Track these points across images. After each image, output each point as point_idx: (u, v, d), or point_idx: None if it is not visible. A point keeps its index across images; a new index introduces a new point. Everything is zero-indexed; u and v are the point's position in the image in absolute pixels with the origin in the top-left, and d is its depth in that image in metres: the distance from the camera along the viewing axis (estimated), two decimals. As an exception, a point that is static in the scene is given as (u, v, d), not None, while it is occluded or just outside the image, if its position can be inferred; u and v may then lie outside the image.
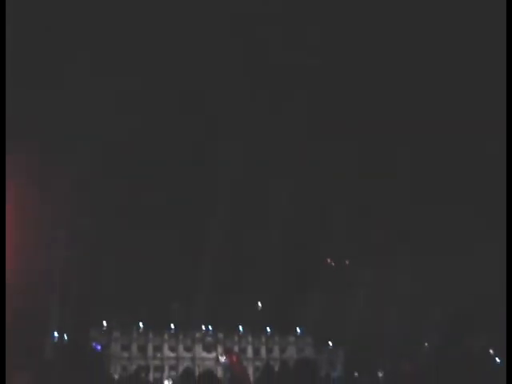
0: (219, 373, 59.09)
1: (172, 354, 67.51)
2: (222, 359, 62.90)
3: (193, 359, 66.62)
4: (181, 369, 60.00)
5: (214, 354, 68.17)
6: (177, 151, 59.58)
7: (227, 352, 62.17)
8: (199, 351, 68.57)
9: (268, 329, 71.19)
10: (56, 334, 55.06)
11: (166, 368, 65.73)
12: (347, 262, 72.75)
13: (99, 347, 60.52)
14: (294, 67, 49.87)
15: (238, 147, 54.24)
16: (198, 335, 69.08)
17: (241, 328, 70.52)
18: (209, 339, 69.33)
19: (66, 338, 56.89)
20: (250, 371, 57.00)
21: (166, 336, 68.79)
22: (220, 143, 57.06)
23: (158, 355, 66.98)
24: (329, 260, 73.88)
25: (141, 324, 68.36)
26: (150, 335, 68.30)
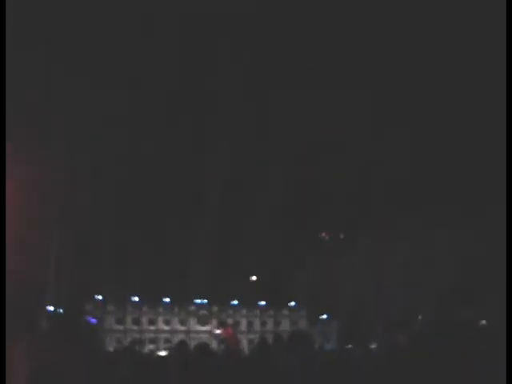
0: (214, 345, 59.63)
1: (166, 327, 68.03)
2: (217, 332, 63.39)
3: (187, 332, 67.13)
4: (175, 342, 60.48)
5: (208, 327, 68.73)
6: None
7: (222, 325, 62.69)
8: (193, 324, 69.11)
9: (262, 302, 71.66)
10: (51, 307, 55.28)
11: (161, 341, 66.24)
12: (342, 236, 72.93)
13: (94, 321, 60.81)
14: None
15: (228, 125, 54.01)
16: (192, 308, 69.53)
17: (235, 301, 70.97)
18: (203, 312, 69.82)
19: (61, 311, 57.12)
20: (244, 344, 57.48)
21: (160, 309, 69.23)
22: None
23: (153, 328, 67.48)
24: (323, 234, 74.08)
25: (135, 297, 68.70)
26: (145, 308, 68.72)
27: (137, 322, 68.10)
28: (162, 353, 61.03)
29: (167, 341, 65.81)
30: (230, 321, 67.85)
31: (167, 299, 69.34)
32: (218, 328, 63.91)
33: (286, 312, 72.02)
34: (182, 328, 68.20)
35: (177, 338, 63.08)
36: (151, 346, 61.04)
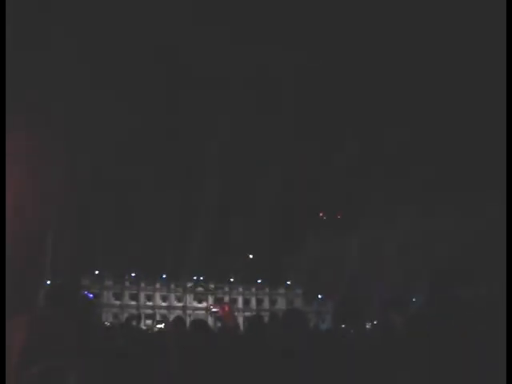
0: (210, 322, 60.04)
1: (163, 304, 68.42)
2: (213, 309, 63.78)
3: (184, 309, 67.55)
4: (172, 318, 60.82)
5: (204, 304, 69.16)
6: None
7: (218, 302, 63.04)
8: (190, 301, 69.53)
9: (258, 280, 72.03)
10: (48, 282, 55.53)
11: (158, 317, 66.65)
12: (339, 216, 73.00)
13: (91, 296, 61.10)
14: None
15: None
16: (189, 285, 69.89)
17: (231, 279, 71.33)
18: (200, 289, 70.21)
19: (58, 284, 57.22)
20: (240, 322, 57.87)
21: (157, 285, 69.60)
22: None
23: (150, 304, 67.89)
24: (321, 213, 74.18)
25: (133, 273, 69.02)
26: (142, 284, 69.07)
27: (134, 297, 68.53)
28: (159, 326, 61.54)
29: (164, 317, 66.25)
30: (226, 298, 68.26)
31: (164, 276, 69.68)
32: (215, 305, 64.31)
33: (282, 291, 72.47)
34: (179, 304, 68.64)
35: (173, 315, 63.55)
36: (148, 322, 61.42)
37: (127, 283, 68.85)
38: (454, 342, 3.85)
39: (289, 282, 72.31)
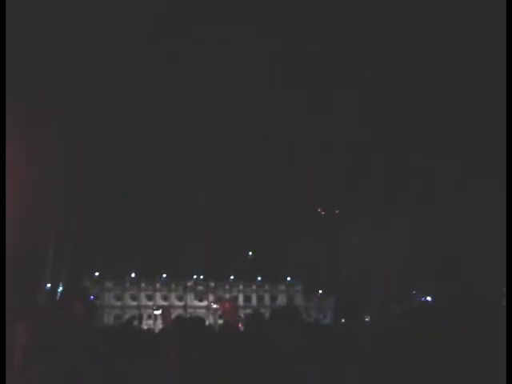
0: (210, 320, 60.17)
1: (164, 303, 68.43)
2: (214, 306, 63.81)
3: (185, 308, 67.57)
4: (173, 317, 60.82)
5: (205, 303, 69.20)
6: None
7: (219, 300, 63.08)
8: (191, 300, 69.56)
9: (258, 277, 72.06)
10: (49, 284, 55.50)
11: (159, 317, 66.62)
12: (337, 212, 73.10)
13: (92, 297, 61.13)
14: None
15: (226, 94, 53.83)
16: (189, 284, 69.91)
17: (232, 277, 71.36)
18: (200, 288, 70.23)
19: (60, 288, 57.31)
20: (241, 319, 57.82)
21: (158, 285, 69.62)
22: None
23: (151, 304, 67.89)
24: (319, 209, 74.28)
25: (133, 274, 69.06)
26: (143, 285, 69.10)
27: (135, 298, 68.57)
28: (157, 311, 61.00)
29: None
30: (226, 296, 68.26)
31: (164, 275, 69.72)
32: (215, 303, 64.34)
33: (282, 287, 72.46)
34: (180, 303, 68.64)
35: (174, 314, 63.52)
36: (149, 322, 61.44)
37: (127, 284, 68.87)
38: (460, 339, 3.86)
39: (289, 279, 72.34)
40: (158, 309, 61.23)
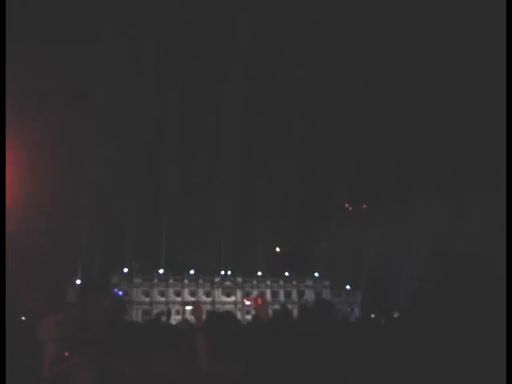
0: (238, 316, 60.29)
1: (192, 299, 68.71)
2: (247, 303, 63.86)
3: (213, 303, 67.79)
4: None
5: (233, 298, 69.36)
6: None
7: (247, 296, 63.19)
8: (219, 295, 69.77)
9: (286, 273, 71.94)
10: (78, 281, 56.18)
11: (187, 312, 66.99)
12: (364, 206, 72.71)
13: (121, 293, 61.73)
14: None
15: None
16: (217, 280, 70.13)
17: (259, 272, 71.36)
18: (228, 284, 70.39)
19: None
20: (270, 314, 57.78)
21: (186, 281, 69.95)
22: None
23: (179, 300, 68.25)
24: (346, 205, 73.93)
25: (161, 270, 69.51)
26: (171, 281, 69.50)
27: (163, 293, 69.00)
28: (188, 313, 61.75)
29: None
30: (254, 292, 68.30)
31: (192, 271, 70.04)
32: (243, 298, 64.46)
33: (309, 283, 72.24)
34: (208, 299, 68.88)
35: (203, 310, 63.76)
36: (178, 317, 61.77)
37: (156, 280, 69.34)
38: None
39: (316, 274, 72.10)
40: (187, 304, 61.67)
